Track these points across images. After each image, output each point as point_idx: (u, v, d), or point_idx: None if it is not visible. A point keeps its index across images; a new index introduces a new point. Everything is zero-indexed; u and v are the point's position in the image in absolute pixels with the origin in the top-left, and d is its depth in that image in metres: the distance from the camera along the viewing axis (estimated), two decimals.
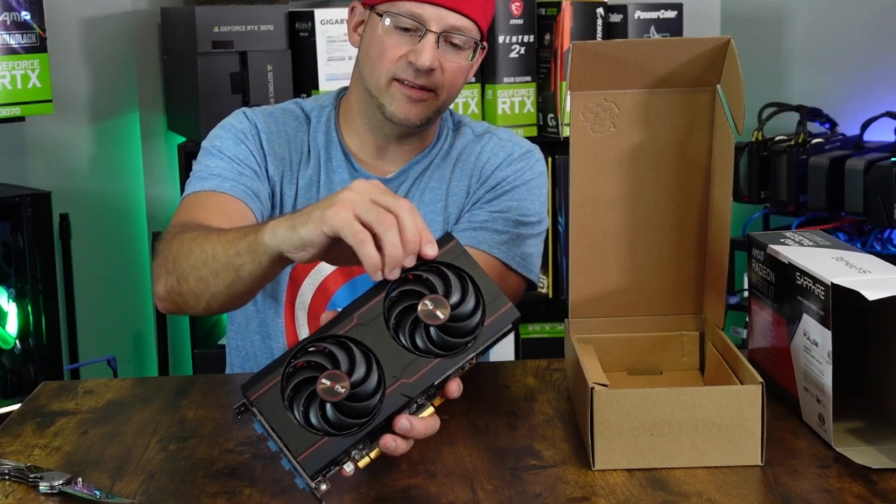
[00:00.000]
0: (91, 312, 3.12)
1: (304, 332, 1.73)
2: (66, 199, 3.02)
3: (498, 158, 1.73)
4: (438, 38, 1.61)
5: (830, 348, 1.27)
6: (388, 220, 1.18)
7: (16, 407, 1.60)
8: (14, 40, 2.64)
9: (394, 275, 1.18)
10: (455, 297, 1.19)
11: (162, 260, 1.50)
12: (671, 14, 2.99)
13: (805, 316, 1.33)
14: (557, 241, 3.01)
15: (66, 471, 1.25)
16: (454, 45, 1.63)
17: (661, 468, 1.25)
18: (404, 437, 1.16)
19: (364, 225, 1.18)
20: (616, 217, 1.49)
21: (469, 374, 1.53)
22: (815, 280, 1.29)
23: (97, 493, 1.20)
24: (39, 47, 2.67)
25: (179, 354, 3.17)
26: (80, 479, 1.22)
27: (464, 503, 1.18)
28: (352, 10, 1.71)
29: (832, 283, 1.26)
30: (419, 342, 1.18)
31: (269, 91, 2.84)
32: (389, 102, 1.64)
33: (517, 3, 2.90)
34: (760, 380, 1.26)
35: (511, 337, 3.05)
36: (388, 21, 1.61)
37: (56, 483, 1.21)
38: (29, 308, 2.71)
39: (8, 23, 2.63)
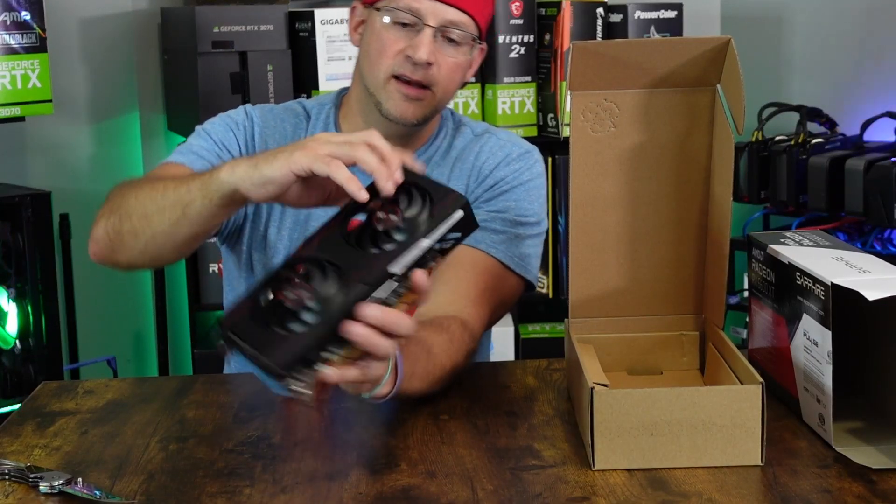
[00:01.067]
0: (91, 312, 3.11)
1: None
2: (66, 199, 3.02)
3: (496, 158, 1.73)
4: (436, 32, 1.62)
5: (830, 348, 1.26)
6: (362, 147, 1.26)
7: (16, 407, 1.60)
8: (14, 40, 2.64)
9: (388, 188, 1.24)
10: (403, 202, 1.25)
11: (108, 203, 1.53)
12: (671, 14, 2.99)
13: (805, 316, 1.32)
14: (557, 241, 3.00)
15: (66, 471, 1.25)
16: (451, 41, 1.64)
17: (661, 468, 1.25)
18: (376, 327, 1.18)
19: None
20: (616, 217, 1.49)
21: (469, 374, 1.54)
22: (815, 280, 1.29)
23: (97, 493, 1.20)
24: (39, 47, 2.67)
25: (179, 354, 3.17)
26: (80, 479, 1.22)
27: (464, 503, 1.18)
28: (353, 10, 1.73)
29: (832, 283, 1.26)
30: (381, 245, 1.23)
31: (269, 91, 2.84)
32: (386, 100, 1.65)
33: (517, 3, 2.90)
34: (760, 380, 1.26)
35: (511, 337, 3.05)
36: (386, 17, 1.63)
37: (56, 483, 1.21)
38: (29, 308, 2.71)
39: (8, 23, 2.63)
